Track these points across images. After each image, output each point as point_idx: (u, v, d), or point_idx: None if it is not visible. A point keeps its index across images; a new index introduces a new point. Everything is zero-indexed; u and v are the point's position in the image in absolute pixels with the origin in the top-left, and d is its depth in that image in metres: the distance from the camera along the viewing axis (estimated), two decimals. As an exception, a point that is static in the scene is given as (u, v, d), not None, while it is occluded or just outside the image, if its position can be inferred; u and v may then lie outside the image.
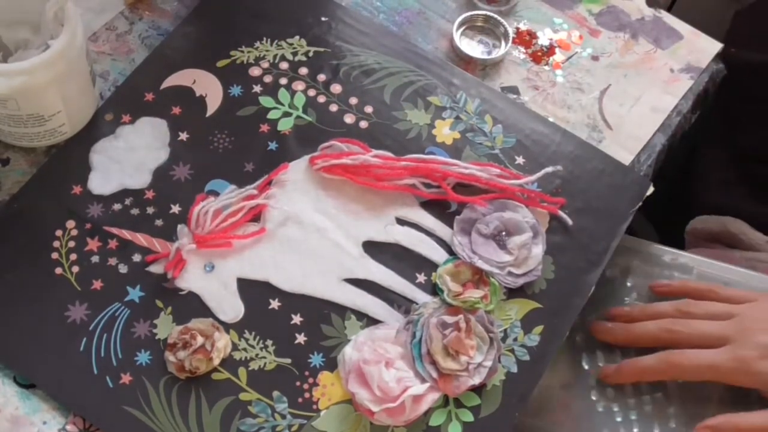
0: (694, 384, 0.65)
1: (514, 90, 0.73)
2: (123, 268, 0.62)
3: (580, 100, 0.73)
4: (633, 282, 0.70)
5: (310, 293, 0.63)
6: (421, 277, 0.64)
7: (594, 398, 0.66)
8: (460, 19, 0.75)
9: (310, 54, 0.72)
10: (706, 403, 0.64)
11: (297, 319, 0.62)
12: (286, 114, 0.69)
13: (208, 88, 0.70)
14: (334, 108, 0.70)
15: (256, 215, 0.65)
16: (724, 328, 0.63)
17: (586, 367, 0.67)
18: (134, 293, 0.62)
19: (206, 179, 0.66)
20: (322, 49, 0.72)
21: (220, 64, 0.71)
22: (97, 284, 0.62)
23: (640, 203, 0.68)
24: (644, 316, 0.66)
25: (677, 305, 0.66)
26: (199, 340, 0.59)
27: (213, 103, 0.69)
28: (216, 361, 0.59)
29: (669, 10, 0.89)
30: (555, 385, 0.66)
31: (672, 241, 0.74)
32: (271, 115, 0.69)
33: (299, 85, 0.70)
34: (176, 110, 0.69)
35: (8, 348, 0.59)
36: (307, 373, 0.60)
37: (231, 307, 0.62)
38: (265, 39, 0.72)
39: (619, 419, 0.65)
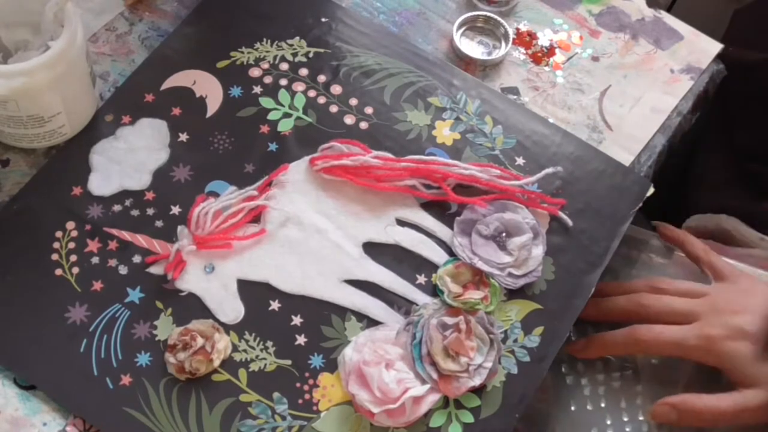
0: (663, 364, 0.65)
1: (514, 91, 0.73)
2: (123, 270, 0.62)
3: (580, 101, 0.73)
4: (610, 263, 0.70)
5: (310, 294, 0.63)
6: (422, 278, 0.64)
7: (563, 370, 0.66)
8: (460, 19, 0.75)
9: (310, 55, 0.72)
10: (674, 383, 0.65)
11: (297, 320, 0.62)
12: (287, 115, 0.69)
13: (209, 88, 0.70)
14: (334, 109, 0.70)
15: (256, 216, 0.65)
16: (695, 305, 0.64)
17: None
18: (134, 294, 0.62)
19: (206, 180, 0.66)
20: (322, 50, 0.72)
21: (220, 64, 0.71)
22: (97, 285, 0.62)
23: (641, 204, 0.68)
24: (617, 291, 0.67)
25: (650, 282, 0.67)
26: (199, 341, 0.59)
27: (213, 104, 0.69)
28: (216, 363, 0.59)
29: (669, 10, 0.89)
30: None
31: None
32: (272, 116, 0.69)
33: (299, 86, 0.70)
34: (176, 111, 0.68)
35: (8, 349, 0.59)
36: (307, 374, 0.60)
37: (231, 308, 0.62)
38: (265, 40, 0.72)
39: (586, 393, 0.66)
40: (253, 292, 0.63)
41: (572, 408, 0.66)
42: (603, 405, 0.65)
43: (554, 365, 0.65)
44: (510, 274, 0.64)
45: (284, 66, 0.71)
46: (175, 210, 0.65)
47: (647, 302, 0.65)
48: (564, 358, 0.67)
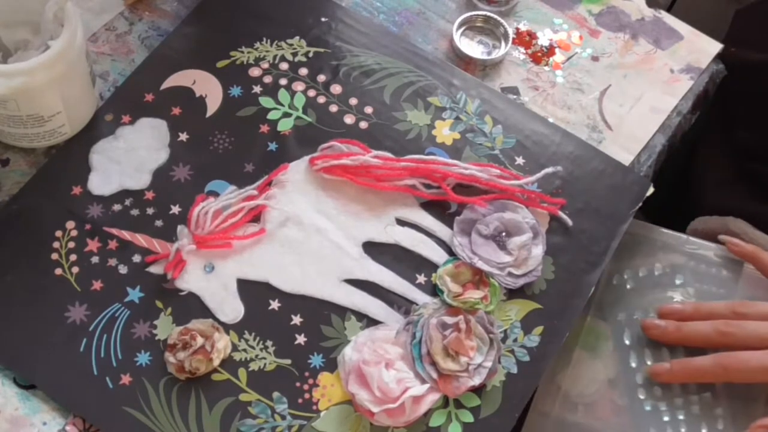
0: (741, 384, 0.64)
1: (514, 90, 0.73)
2: (123, 269, 0.62)
3: (580, 101, 0.73)
4: (682, 280, 0.69)
5: (310, 294, 0.63)
6: (421, 278, 0.64)
7: (642, 397, 0.65)
8: (460, 19, 0.75)
9: (310, 54, 0.72)
10: (753, 403, 0.64)
11: (297, 319, 0.62)
12: (286, 114, 0.69)
13: (208, 88, 0.70)
14: (334, 108, 0.70)
15: (256, 216, 0.65)
16: None
17: (634, 364, 0.66)
18: (134, 294, 0.62)
19: (206, 180, 0.66)
20: (322, 50, 0.72)
21: (220, 64, 0.71)
22: (97, 285, 0.62)
23: (640, 204, 0.68)
24: (697, 316, 0.65)
25: (732, 306, 0.65)
26: (199, 340, 0.59)
27: (213, 104, 0.69)
28: (216, 362, 0.59)
29: (669, 10, 0.89)
30: (600, 381, 0.65)
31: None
32: (271, 115, 0.69)
33: (299, 86, 0.70)
34: (176, 111, 0.69)
35: (8, 349, 0.59)
36: (307, 373, 0.60)
37: (231, 307, 0.62)
38: (265, 39, 0.72)
39: (666, 419, 0.64)
40: (252, 291, 0.63)
41: None
42: (683, 431, 0.64)
43: (631, 392, 0.64)
44: (510, 274, 0.64)
45: (284, 66, 0.71)
46: (175, 209, 0.65)
47: (731, 330, 0.63)
48: (641, 383, 0.65)
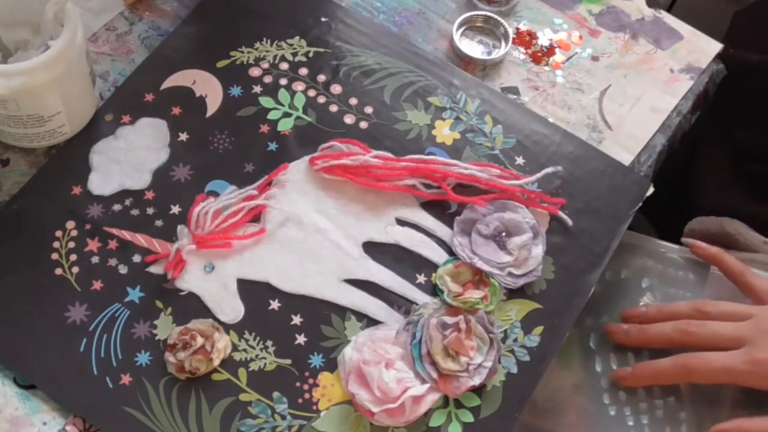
0: (706, 388, 0.64)
1: (514, 90, 0.73)
2: (123, 269, 0.62)
3: (580, 101, 0.73)
4: (648, 283, 0.69)
5: (310, 294, 0.63)
6: (421, 278, 0.64)
7: (606, 402, 0.65)
8: (460, 19, 0.75)
9: (310, 54, 0.72)
10: (718, 407, 0.64)
11: (297, 319, 0.62)
12: (286, 114, 0.69)
13: (208, 88, 0.70)
14: (334, 108, 0.70)
15: (256, 216, 0.65)
16: (741, 329, 0.62)
17: (599, 369, 0.66)
18: (134, 294, 0.62)
19: (206, 180, 0.66)
20: (322, 50, 0.72)
21: (220, 64, 0.71)
22: (97, 285, 0.62)
23: (640, 204, 0.68)
24: (660, 317, 0.65)
25: (694, 305, 0.65)
26: (199, 340, 0.59)
27: (213, 104, 0.69)
28: (216, 362, 0.59)
29: (669, 10, 0.89)
30: (567, 386, 0.65)
31: (671, 242, 0.74)
32: (271, 115, 0.69)
33: (299, 86, 0.70)
34: (176, 111, 0.69)
35: (8, 349, 0.59)
36: (307, 373, 0.60)
37: (231, 307, 0.62)
38: (265, 39, 0.72)
39: (630, 423, 0.64)
40: (253, 291, 0.63)
41: None
42: None
43: (596, 396, 0.64)
44: (510, 274, 0.64)
45: (284, 66, 0.71)
46: (175, 209, 0.65)
47: (693, 329, 0.63)
48: (606, 388, 0.65)
